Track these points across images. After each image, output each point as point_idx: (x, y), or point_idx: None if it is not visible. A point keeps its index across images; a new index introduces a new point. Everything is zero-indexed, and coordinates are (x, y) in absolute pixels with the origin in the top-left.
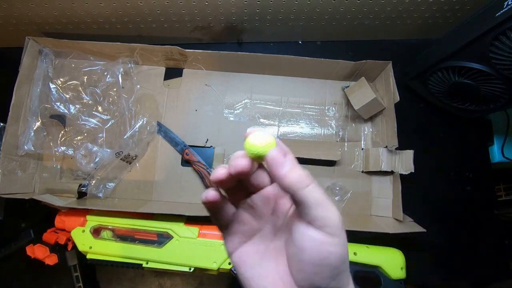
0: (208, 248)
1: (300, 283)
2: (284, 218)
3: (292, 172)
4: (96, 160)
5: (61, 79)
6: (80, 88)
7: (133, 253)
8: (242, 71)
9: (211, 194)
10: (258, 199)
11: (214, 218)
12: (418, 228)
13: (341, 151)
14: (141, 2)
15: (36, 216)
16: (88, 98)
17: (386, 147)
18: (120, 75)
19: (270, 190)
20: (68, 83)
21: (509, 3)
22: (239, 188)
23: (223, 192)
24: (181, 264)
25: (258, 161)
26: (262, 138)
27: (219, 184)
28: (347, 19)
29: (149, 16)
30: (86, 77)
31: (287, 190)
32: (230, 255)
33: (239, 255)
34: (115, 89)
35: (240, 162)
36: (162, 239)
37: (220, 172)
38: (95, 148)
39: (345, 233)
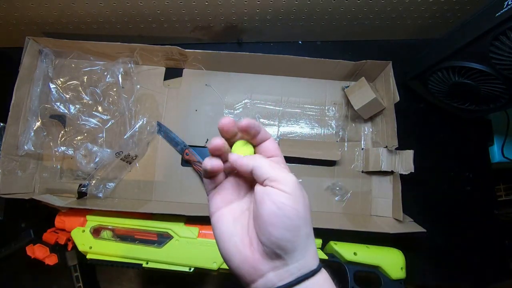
0: (208, 248)
1: (261, 238)
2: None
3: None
4: (96, 160)
5: (61, 79)
6: (80, 88)
7: (133, 253)
8: (242, 71)
9: (216, 162)
10: (240, 177)
11: (208, 181)
12: (418, 228)
13: (341, 151)
14: (141, 2)
15: (36, 216)
16: (88, 98)
17: (386, 147)
18: (120, 75)
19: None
20: (68, 83)
21: (509, 3)
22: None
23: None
24: (181, 264)
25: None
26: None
27: (215, 151)
28: (347, 19)
29: (149, 16)
30: (86, 77)
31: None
32: (212, 214)
33: (219, 214)
34: (115, 89)
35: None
36: (162, 239)
37: (216, 140)
38: (95, 148)
39: (302, 195)
